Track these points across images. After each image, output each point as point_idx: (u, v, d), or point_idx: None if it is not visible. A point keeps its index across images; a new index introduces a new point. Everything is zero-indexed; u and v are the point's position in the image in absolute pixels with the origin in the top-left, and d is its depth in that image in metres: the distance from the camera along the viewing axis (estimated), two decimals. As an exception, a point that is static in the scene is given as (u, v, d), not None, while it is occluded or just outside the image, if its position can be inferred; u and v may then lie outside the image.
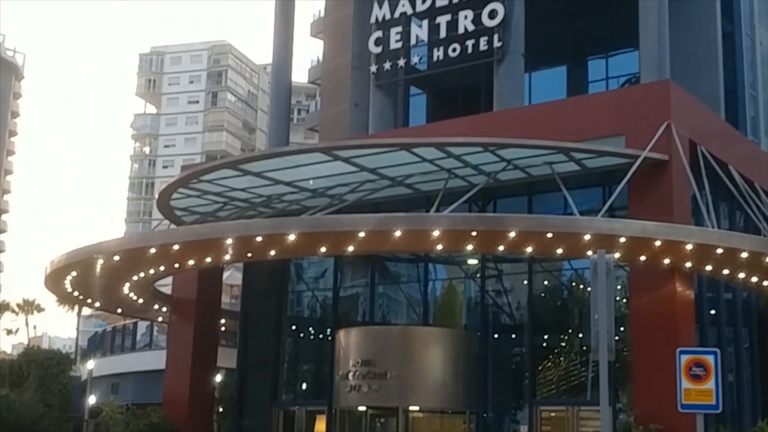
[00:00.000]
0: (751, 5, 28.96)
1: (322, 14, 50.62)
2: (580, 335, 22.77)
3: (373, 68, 27.49)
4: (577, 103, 24.26)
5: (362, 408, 23.88)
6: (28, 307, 71.47)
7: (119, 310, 32.06)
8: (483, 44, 25.48)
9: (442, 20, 26.20)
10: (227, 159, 24.30)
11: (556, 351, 23.37)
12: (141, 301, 27.43)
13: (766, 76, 29.59)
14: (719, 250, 19.01)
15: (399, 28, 27.02)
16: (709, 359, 13.19)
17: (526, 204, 23.18)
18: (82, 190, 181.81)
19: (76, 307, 59.06)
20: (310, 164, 21.77)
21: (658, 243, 18.65)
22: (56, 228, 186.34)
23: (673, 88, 21.64)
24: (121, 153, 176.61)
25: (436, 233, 18.63)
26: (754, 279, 21.37)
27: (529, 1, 26.18)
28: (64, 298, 35.70)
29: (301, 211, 24.20)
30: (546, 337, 23.65)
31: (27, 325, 72.77)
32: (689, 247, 18.72)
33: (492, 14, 25.45)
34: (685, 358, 13.30)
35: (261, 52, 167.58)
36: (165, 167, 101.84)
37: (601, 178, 21.95)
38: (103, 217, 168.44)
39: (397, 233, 18.56)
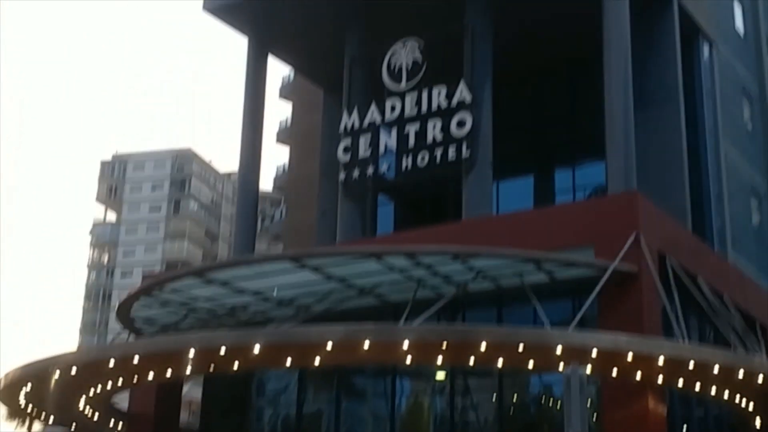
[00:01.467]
0: (715, 118, 29.39)
1: (289, 122, 51.06)
2: (551, 451, 22.20)
3: (342, 176, 27.39)
4: (545, 213, 24.25)
5: None
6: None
7: (73, 427, 30.90)
8: (452, 153, 25.52)
9: (411, 129, 26.28)
10: (192, 267, 23.95)
11: (526, 468, 22.75)
12: (97, 416, 26.48)
13: (731, 188, 29.85)
14: (691, 364, 18.76)
15: (368, 137, 27.05)
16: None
17: (495, 315, 22.89)
18: (35, 299, 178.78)
19: (27, 422, 57.18)
20: (276, 273, 21.42)
21: (629, 356, 18.36)
22: (5, 339, 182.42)
23: (640, 200, 21.70)
24: (78, 261, 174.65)
25: (405, 345, 18.22)
26: (726, 394, 21.08)
27: (497, 112, 26.39)
28: (16, 413, 34.43)
29: (266, 321, 23.73)
30: (516, 453, 23.05)
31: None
32: (661, 360, 18.46)
33: (460, 124, 25.58)
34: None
35: (225, 158, 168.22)
36: (123, 277, 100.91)
37: (571, 289, 21.75)
38: (56, 328, 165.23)
39: (366, 345, 18.13)
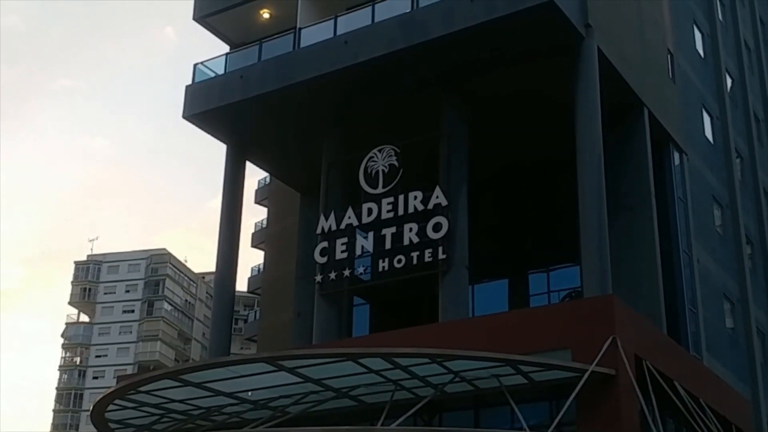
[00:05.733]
0: (687, 224, 29.87)
1: (264, 225, 51.26)
2: None
3: (318, 278, 27.47)
4: (522, 315, 24.37)
5: None
6: None
7: None
8: (428, 256, 25.71)
9: (388, 232, 26.50)
10: (168, 369, 23.74)
11: None
12: None
13: (705, 292, 30.17)
14: (671, 468, 18.76)
15: (345, 239, 27.25)
16: None
17: (473, 418, 22.75)
18: (6, 402, 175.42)
19: None
20: (252, 375, 21.31)
21: (609, 459, 18.34)
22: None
23: (616, 303, 21.91)
24: (48, 362, 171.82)
25: (383, 448, 18.11)
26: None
27: (472, 216, 26.72)
28: None
29: (241, 424, 23.47)
30: None
31: None
32: (641, 464, 18.45)
33: (436, 227, 25.84)
34: None
35: (200, 257, 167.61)
36: (95, 378, 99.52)
37: (549, 391, 21.76)
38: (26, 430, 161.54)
39: (344, 447, 18.02)
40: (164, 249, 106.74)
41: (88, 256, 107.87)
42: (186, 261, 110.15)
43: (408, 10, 27.03)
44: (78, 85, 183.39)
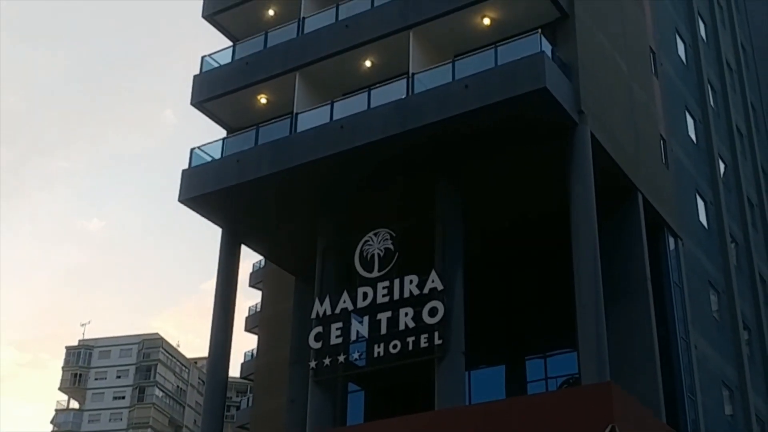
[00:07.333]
0: (684, 310, 29.68)
1: (258, 309, 50.93)
2: None
3: (313, 364, 27.14)
4: (520, 403, 23.99)
5: None
6: None
7: None
8: (423, 341, 25.45)
9: (383, 317, 26.29)
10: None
11: None
12: None
13: (703, 379, 29.84)
14: None
15: (340, 324, 27.01)
16: None
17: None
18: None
19: None
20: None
21: None
22: None
23: (615, 390, 21.61)
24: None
25: None
26: None
27: (469, 301, 26.52)
28: None
29: None
30: None
31: None
32: None
33: (432, 312, 25.64)
34: None
35: (193, 341, 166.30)
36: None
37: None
38: None
39: None
40: (156, 333, 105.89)
41: (80, 340, 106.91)
42: (179, 345, 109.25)
43: (403, 96, 27.28)
44: (75, 167, 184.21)
